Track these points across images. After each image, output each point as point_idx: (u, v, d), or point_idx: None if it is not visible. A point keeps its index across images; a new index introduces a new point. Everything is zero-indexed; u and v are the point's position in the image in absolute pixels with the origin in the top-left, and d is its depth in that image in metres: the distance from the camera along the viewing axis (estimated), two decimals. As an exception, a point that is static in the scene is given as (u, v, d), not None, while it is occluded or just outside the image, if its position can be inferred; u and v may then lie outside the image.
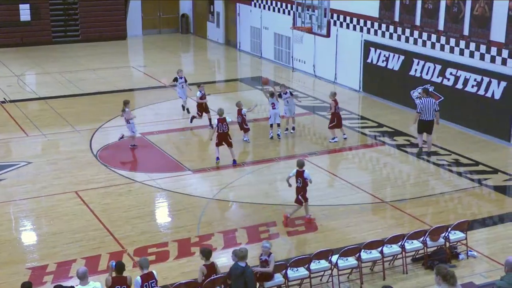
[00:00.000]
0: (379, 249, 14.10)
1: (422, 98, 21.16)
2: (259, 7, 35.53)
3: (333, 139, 22.68)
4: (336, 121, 22.64)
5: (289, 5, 32.34)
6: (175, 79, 25.46)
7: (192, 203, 17.97)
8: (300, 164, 16.50)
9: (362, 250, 13.92)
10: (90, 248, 15.39)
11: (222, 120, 20.27)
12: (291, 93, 23.72)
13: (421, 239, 14.53)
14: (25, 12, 38.42)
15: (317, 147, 22.37)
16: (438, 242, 14.67)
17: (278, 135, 23.01)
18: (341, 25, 29.44)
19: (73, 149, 21.85)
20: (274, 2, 34.19)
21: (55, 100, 27.62)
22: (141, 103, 27.57)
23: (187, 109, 25.46)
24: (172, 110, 26.18)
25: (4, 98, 27.78)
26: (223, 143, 20.41)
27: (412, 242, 14.50)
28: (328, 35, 26.64)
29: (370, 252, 14.04)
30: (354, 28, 28.79)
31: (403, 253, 14.36)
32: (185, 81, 25.37)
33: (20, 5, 38.15)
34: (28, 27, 38.61)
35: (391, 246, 14.30)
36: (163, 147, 22.12)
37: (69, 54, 36.62)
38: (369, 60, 28.09)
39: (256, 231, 16.26)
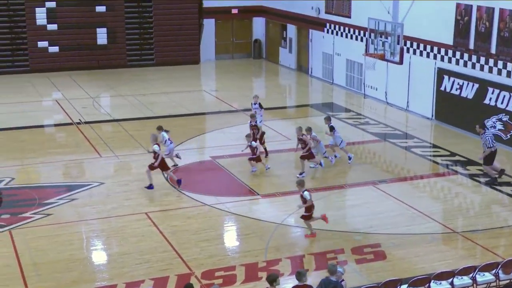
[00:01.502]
0: (449, 280, 13.79)
1: (486, 132, 20.86)
2: (332, 33, 35.53)
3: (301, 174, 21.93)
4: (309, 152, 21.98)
5: (362, 32, 32.23)
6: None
7: (260, 227, 17.96)
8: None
9: (432, 281, 13.63)
10: (158, 269, 15.51)
11: (158, 144, 20.76)
12: (331, 128, 23.27)
13: (493, 271, 14.15)
14: (102, 36, 39.34)
15: (387, 175, 22.12)
16: (511, 275, 14.27)
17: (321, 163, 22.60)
18: (414, 52, 29.16)
19: (144, 171, 22.12)
20: (347, 29, 34.14)
21: (128, 122, 28.09)
22: (212, 127, 27.80)
23: (263, 133, 25.49)
24: (243, 135, 26.28)
25: (80, 120, 28.40)
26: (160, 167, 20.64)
27: (483, 275, 14.13)
28: (401, 62, 26.43)
29: (440, 283, 13.74)
30: (428, 56, 28.47)
31: (474, 285, 13.99)
32: (260, 107, 25.36)
33: (97, 29, 39.10)
34: (104, 50, 39.50)
35: (461, 278, 13.96)
36: (232, 171, 22.21)
37: (143, 77, 37.27)
38: (442, 88, 27.71)
39: (324, 258, 16.11)
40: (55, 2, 38.25)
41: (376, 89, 32.12)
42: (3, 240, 17.14)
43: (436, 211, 19.15)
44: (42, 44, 38.36)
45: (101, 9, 39.06)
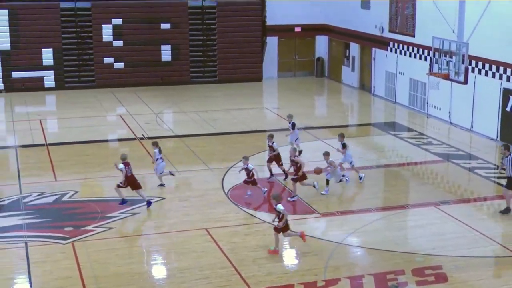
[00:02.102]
0: (513, 305, 13.48)
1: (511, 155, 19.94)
2: (395, 52, 35.28)
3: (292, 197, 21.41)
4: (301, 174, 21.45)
5: (426, 51, 31.92)
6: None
7: (319, 246, 17.86)
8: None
9: (495, 306, 13.35)
10: (217, 285, 15.55)
11: (127, 164, 20.54)
12: (343, 145, 23.11)
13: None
14: (166, 53, 39.89)
15: (450, 196, 21.77)
16: None
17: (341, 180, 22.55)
18: (479, 72, 28.73)
19: (204, 187, 22.28)
20: (410, 47, 33.86)
21: (190, 138, 28.34)
22: (273, 144, 27.81)
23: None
24: (303, 153, 26.22)
25: (143, 135, 28.78)
26: (130, 186, 20.58)
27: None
28: (465, 81, 26.03)
29: (503, 308, 13.45)
30: (493, 76, 28.01)
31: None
32: (293, 127, 25.34)
33: (162, 46, 39.66)
34: (168, 67, 40.02)
35: (525, 303, 13.64)
36: (292, 189, 22.16)
37: (205, 94, 37.60)
38: (508, 109, 27.21)
39: (384, 279, 15.92)
40: (121, 19, 38.97)
41: (440, 109, 31.72)
42: (66, 252, 17.44)
43: (500, 234, 18.75)
44: (108, 60, 39.10)
45: (166, 26, 39.63)
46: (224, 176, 23.32)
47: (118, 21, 38.94)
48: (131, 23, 39.14)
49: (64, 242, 18.03)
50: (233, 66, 41.09)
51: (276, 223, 17.45)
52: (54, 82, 38.40)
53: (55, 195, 21.44)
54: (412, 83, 33.99)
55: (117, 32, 39.04)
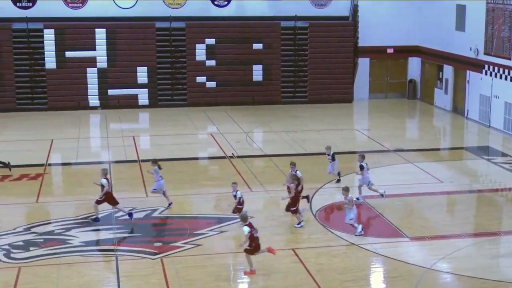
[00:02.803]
0: None
1: None
2: (490, 75, 34.51)
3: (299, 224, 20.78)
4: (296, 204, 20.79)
5: (522, 74, 31.14)
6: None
7: (408, 271, 17.55)
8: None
9: None
10: (302, 306, 15.47)
11: (107, 180, 20.76)
12: (361, 167, 22.76)
13: None
14: (257, 73, 40.20)
15: (545, 224, 21.06)
16: None
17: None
18: None
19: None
20: (506, 70, 33.07)
21: (279, 158, 28.40)
22: (363, 166, 27.57)
23: (338, 180, 25.08)
24: (393, 175, 25.98)
25: (233, 153, 29.03)
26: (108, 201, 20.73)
27: None
28: None
29: None
30: None
31: None
32: (333, 158, 25.08)
33: (253, 66, 40.01)
34: (259, 87, 40.31)
35: None
36: (381, 211, 21.90)
37: (295, 114, 37.65)
38: None
39: (474, 307, 15.52)
40: (214, 39, 39.54)
41: (536, 134, 30.83)
42: (154, 267, 17.71)
43: None
44: (200, 79, 39.69)
45: (258, 46, 39.97)
46: (312, 197, 23.24)
47: (211, 41, 39.52)
48: (224, 43, 39.66)
49: (153, 257, 18.32)
50: (324, 87, 41.04)
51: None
52: (148, 100, 39.24)
53: (146, 210, 21.83)
54: (508, 106, 33.14)
55: (210, 52, 39.62)
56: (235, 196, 20.92)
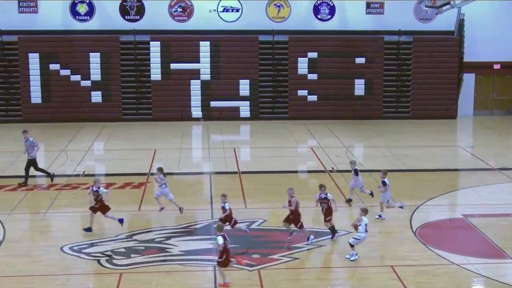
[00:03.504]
0: None
1: None
2: None
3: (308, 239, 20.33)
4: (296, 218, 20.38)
5: None
6: None
7: (511, 293, 17.00)
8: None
9: None
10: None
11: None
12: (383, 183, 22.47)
13: None
14: (359, 87, 39.95)
15: None
16: None
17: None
18: None
19: (392, 224, 21.95)
20: None
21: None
22: (465, 184, 26.94)
23: (371, 193, 24.25)
24: (497, 194, 25.23)
25: (332, 168, 28.90)
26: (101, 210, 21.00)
27: None
28: None
29: None
30: None
31: None
32: (355, 173, 24.18)
33: (355, 80, 39.78)
34: (361, 101, 40.04)
35: None
36: (484, 231, 21.30)
37: (397, 130, 37.18)
38: None
39: None
40: (317, 53, 39.56)
41: None
42: (252, 278, 17.80)
43: None
44: (301, 92, 39.77)
45: (360, 60, 39.74)
46: (412, 214, 22.83)
47: (313, 55, 39.55)
48: (326, 56, 39.62)
49: (250, 268, 18.41)
50: (427, 102, 40.38)
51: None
52: (249, 112, 39.59)
53: (245, 222, 21.97)
54: None
55: (312, 65, 39.64)
56: (223, 207, 20.53)
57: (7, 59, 38.46)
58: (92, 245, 20.16)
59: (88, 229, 21.11)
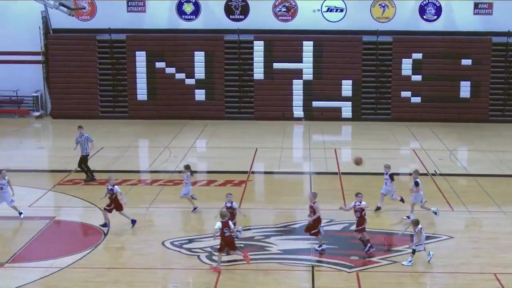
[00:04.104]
0: None
1: None
2: None
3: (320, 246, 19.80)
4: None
5: None
6: None
7: None
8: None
9: None
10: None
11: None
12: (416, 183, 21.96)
13: None
14: (465, 89, 39.02)
15: None
16: None
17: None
18: None
19: (496, 230, 21.36)
20: None
21: (484, 178, 27.35)
22: None
23: (401, 199, 23.34)
24: None
25: (435, 171, 28.36)
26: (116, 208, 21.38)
27: None
28: None
29: None
30: None
31: None
32: (391, 179, 23.35)
33: (461, 82, 38.87)
34: (466, 103, 39.09)
35: None
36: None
37: (503, 133, 36.12)
38: None
39: None
40: (421, 54, 38.90)
41: None
42: (349, 280, 17.71)
43: None
44: (405, 94, 39.19)
45: (466, 62, 38.81)
46: (519, 220, 22.20)
47: (418, 56, 38.91)
48: (431, 58, 38.90)
49: (349, 270, 18.31)
50: (536, 106, 39.12)
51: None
52: (351, 113, 39.33)
53: (344, 223, 21.85)
54: None
55: (417, 67, 39.01)
56: (230, 207, 20.17)
57: (115, 57, 39.56)
58: (192, 240, 20.50)
59: (105, 225, 21.51)
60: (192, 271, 18.57)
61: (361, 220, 19.78)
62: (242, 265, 18.70)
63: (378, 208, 23.12)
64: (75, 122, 37.40)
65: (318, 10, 39.63)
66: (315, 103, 39.35)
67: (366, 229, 19.83)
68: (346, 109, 39.32)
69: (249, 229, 21.38)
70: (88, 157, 27.00)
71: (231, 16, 39.67)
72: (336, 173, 28.12)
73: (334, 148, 32.47)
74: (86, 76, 39.46)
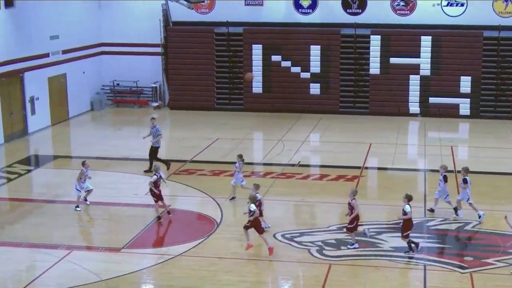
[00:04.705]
0: None
1: None
2: None
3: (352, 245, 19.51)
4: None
5: None
6: None
7: None
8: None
9: None
10: None
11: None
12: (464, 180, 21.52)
13: None
14: None
15: None
16: None
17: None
18: None
19: None
20: None
21: None
22: None
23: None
24: None
25: (556, 172, 27.31)
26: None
27: None
28: None
29: None
30: None
31: None
32: (445, 180, 22.22)
33: None
34: None
35: None
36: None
37: None
38: None
39: None
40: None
41: None
42: (463, 281, 17.35)
43: None
44: (527, 92, 37.94)
45: None
46: None
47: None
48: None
49: (462, 271, 17.92)
50: None
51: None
52: (469, 110, 38.33)
53: (459, 223, 21.40)
54: None
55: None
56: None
57: (232, 49, 40.09)
58: (303, 234, 20.58)
59: (158, 218, 21.92)
60: (303, 265, 18.65)
61: (405, 224, 19.16)
62: (352, 260, 18.66)
63: (431, 210, 22.50)
64: (192, 114, 38.49)
65: (438, 4, 38.79)
66: (432, 99, 38.58)
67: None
68: (464, 106, 38.33)
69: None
70: (158, 149, 27.15)
71: (348, 10, 39.41)
72: (451, 171, 27.48)
73: (450, 145, 31.75)
74: (203, 68, 40.19)
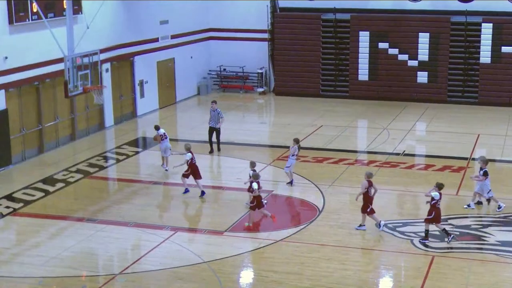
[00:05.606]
0: None
1: None
2: None
3: (360, 226, 19.90)
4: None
5: None
6: None
7: None
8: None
9: None
10: None
11: (192, 153, 23.03)
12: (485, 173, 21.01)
13: None
14: None
15: None
16: None
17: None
18: None
19: None
20: None
21: None
22: None
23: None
24: None
25: None
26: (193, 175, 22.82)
27: None
28: None
29: None
30: None
31: None
32: (485, 175, 21.20)
33: None
34: None
35: None
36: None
37: None
38: None
39: None
40: None
41: None
42: None
43: None
44: None
45: None
46: None
47: None
48: None
49: None
50: None
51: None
52: None
53: None
54: None
55: None
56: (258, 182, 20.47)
57: (338, 36, 39.80)
58: (406, 224, 20.31)
59: (187, 191, 23.13)
60: (405, 255, 18.43)
61: (431, 209, 19.13)
62: (456, 253, 18.28)
63: (479, 203, 21.83)
64: (297, 100, 38.51)
65: (554, -9, 37.30)
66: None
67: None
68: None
69: (466, 217, 20.77)
70: (215, 130, 28.12)
71: (460, -3, 38.42)
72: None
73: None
74: (309, 55, 40.08)
